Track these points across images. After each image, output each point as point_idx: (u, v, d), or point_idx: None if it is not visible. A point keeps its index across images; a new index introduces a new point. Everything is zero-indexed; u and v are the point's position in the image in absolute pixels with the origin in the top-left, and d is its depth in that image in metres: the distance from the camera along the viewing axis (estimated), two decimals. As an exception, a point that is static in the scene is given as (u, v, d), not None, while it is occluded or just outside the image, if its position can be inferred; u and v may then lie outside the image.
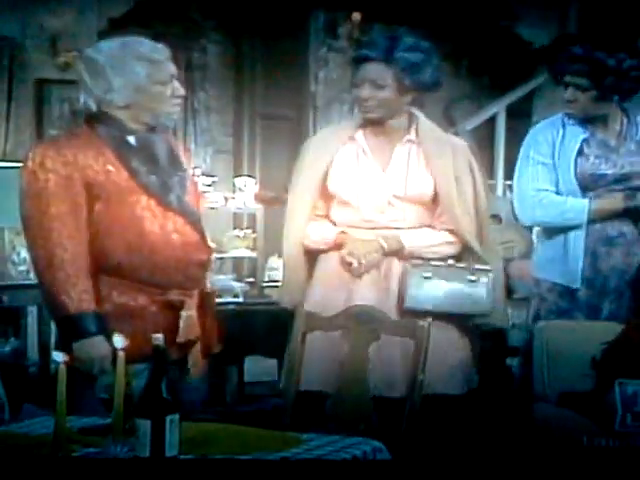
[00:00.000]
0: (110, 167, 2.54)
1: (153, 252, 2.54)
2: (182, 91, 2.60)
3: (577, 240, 3.08)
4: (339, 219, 2.91)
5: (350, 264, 2.83)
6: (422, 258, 2.87)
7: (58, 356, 1.98)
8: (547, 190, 3.10)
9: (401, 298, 2.85)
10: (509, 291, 3.66)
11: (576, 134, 3.10)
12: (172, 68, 2.61)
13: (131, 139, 2.57)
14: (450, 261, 2.90)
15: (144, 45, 2.59)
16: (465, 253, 2.92)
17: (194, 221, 2.60)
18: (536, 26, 5.28)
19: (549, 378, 2.91)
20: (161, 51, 2.60)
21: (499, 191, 5.32)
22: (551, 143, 3.11)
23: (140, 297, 2.56)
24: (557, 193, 3.10)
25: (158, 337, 1.99)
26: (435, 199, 2.90)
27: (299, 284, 2.91)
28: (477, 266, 2.88)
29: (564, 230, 3.11)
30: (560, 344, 2.93)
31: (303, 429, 2.32)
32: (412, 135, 2.91)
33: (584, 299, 3.09)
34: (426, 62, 2.82)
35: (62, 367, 1.96)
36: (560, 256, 3.11)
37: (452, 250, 2.91)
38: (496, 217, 5.10)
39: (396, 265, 2.87)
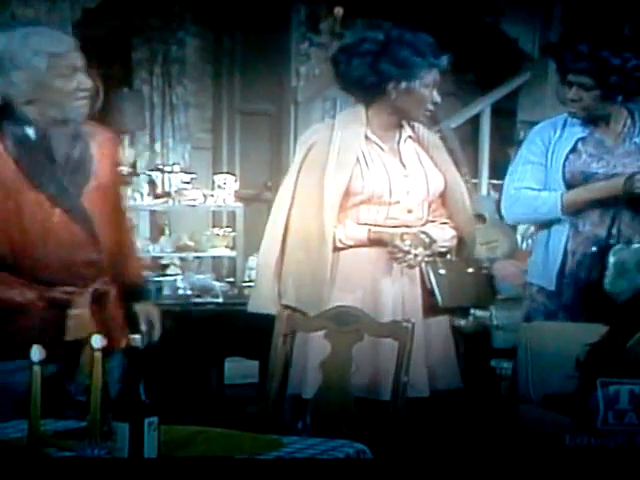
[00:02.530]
0: None
1: (35, 247, 2.50)
2: (88, 84, 2.52)
3: (557, 241, 3.06)
4: (363, 218, 2.87)
5: (407, 253, 2.78)
6: (437, 253, 2.88)
7: (35, 354, 1.93)
8: (528, 188, 3.08)
9: (427, 296, 2.84)
10: (494, 292, 3.66)
11: (574, 133, 3.08)
12: (76, 60, 2.52)
13: (30, 132, 2.51)
14: (448, 256, 2.92)
15: (44, 36, 2.51)
16: (458, 247, 2.95)
17: (82, 220, 2.53)
18: (521, 23, 5.27)
19: (533, 380, 2.91)
20: (64, 43, 2.52)
21: (483, 190, 5.31)
22: (546, 142, 3.09)
23: (27, 293, 2.51)
24: (544, 190, 3.08)
25: (136, 338, 1.94)
26: (443, 194, 2.92)
27: (323, 287, 2.80)
28: (475, 258, 2.93)
29: (549, 231, 3.09)
30: (544, 345, 2.93)
31: (284, 432, 2.28)
32: (409, 131, 2.93)
33: (570, 301, 3.07)
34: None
35: (36, 368, 1.90)
36: (541, 258, 3.11)
37: (454, 243, 2.94)
38: (480, 217, 5.10)
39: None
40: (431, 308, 2.86)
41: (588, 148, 3.07)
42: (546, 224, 3.10)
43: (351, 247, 2.85)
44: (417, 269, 2.85)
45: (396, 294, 2.83)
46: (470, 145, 5.38)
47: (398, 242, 2.79)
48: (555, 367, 2.83)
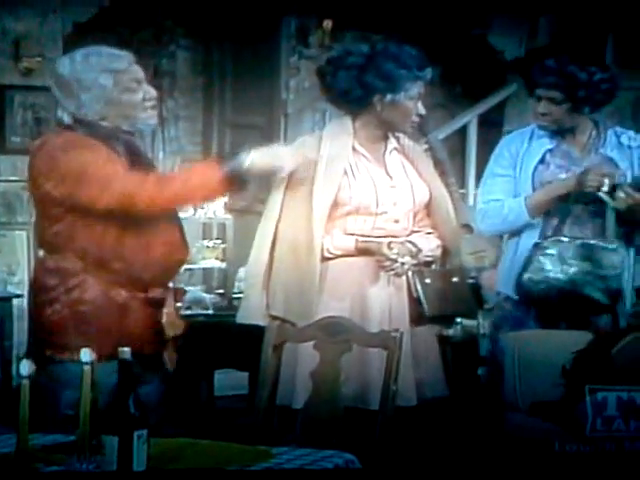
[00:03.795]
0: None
1: (140, 248, 2.62)
2: (153, 93, 2.66)
3: (524, 250, 3.08)
4: (351, 228, 2.90)
5: (394, 261, 2.81)
6: (422, 263, 2.91)
7: (24, 368, 1.93)
8: (496, 200, 3.11)
9: (414, 305, 2.87)
10: (480, 301, 3.68)
11: (542, 145, 3.12)
12: (138, 72, 2.64)
13: (117, 144, 2.64)
14: (433, 266, 2.94)
15: (103, 55, 2.61)
16: (443, 256, 2.97)
17: (178, 222, 2.70)
18: (508, 35, 5.31)
19: (520, 388, 2.92)
20: (123, 58, 2.63)
21: (470, 200, 5.33)
22: (514, 155, 3.13)
23: (123, 292, 2.64)
24: None
25: (125, 351, 1.95)
26: (429, 205, 2.95)
27: (312, 297, 2.83)
28: (460, 267, 2.95)
29: (519, 239, 3.12)
30: (531, 354, 2.94)
31: (274, 443, 2.29)
32: (394, 142, 2.95)
33: (535, 309, 3.08)
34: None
35: (25, 382, 1.91)
36: (508, 266, 3.14)
37: (439, 253, 2.97)
38: (467, 227, 5.12)
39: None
40: (418, 317, 2.88)
41: (556, 159, 3.11)
42: (517, 232, 3.13)
43: (339, 257, 2.87)
44: (404, 278, 2.87)
45: (383, 303, 2.85)
46: (457, 156, 5.41)
47: (386, 251, 2.82)
48: (542, 375, 2.85)
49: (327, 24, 5.41)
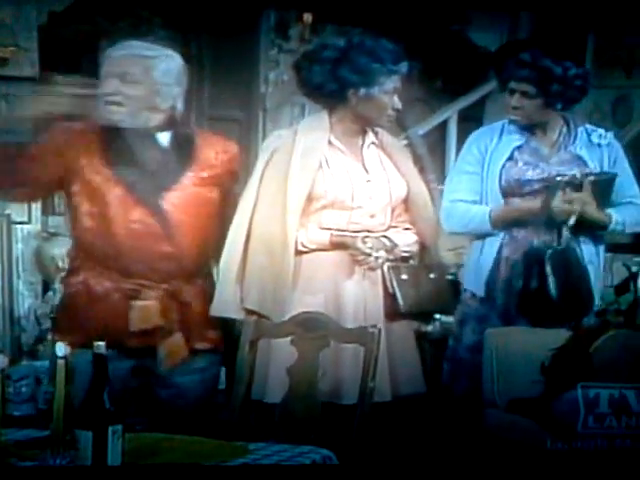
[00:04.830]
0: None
1: (117, 239, 2.67)
2: (112, 87, 2.72)
3: (490, 248, 3.08)
4: (326, 222, 2.88)
5: (368, 255, 2.80)
6: (399, 258, 2.90)
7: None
8: (462, 200, 3.09)
9: (389, 301, 2.86)
10: (459, 297, 3.67)
11: (511, 141, 3.10)
12: (103, 66, 2.78)
13: (118, 139, 2.71)
14: (411, 261, 2.93)
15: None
16: (420, 252, 2.97)
17: (160, 214, 2.71)
18: (487, 30, 5.31)
19: (498, 385, 2.92)
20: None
21: (450, 196, 5.32)
22: (483, 151, 3.10)
23: (105, 282, 2.71)
24: (479, 201, 3.08)
25: (100, 345, 1.93)
26: (407, 200, 2.92)
27: (286, 291, 2.82)
28: (438, 263, 2.95)
29: (484, 238, 3.11)
30: (509, 351, 2.94)
31: (251, 438, 2.27)
32: (372, 137, 2.94)
33: (501, 307, 3.08)
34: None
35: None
36: (473, 264, 3.12)
37: (416, 248, 2.96)
38: (446, 222, 5.12)
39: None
40: (393, 313, 2.88)
41: (524, 156, 3.08)
42: (480, 235, 3.11)
43: (314, 251, 2.86)
44: (379, 274, 2.87)
45: (358, 298, 2.85)
46: (437, 151, 5.41)
47: (359, 245, 2.81)
48: (520, 372, 2.85)
49: (307, 17, 5.39)
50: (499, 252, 3.06)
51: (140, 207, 2.69)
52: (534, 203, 3.03)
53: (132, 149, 2.69)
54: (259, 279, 2.84)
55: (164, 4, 5.54)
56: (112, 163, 2.70)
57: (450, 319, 3.33)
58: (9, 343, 4.34)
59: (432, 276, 2.93)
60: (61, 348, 1.99)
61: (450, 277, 3.06)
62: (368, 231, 2.86)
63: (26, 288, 4.24)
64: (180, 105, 2.76)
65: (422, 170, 5.39)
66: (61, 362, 1.98)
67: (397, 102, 2.86)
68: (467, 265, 3.17)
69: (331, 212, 2.86)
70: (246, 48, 5.61)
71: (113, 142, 2.69)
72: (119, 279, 2.69)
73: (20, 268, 4.43)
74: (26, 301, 4.22)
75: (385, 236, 2.88)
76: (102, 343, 1.95)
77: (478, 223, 3.07)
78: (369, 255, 2.80)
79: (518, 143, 3.08)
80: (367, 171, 2.90)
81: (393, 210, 2.93)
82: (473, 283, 3.11)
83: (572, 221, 2.97)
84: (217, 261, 2.87)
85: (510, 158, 3.07)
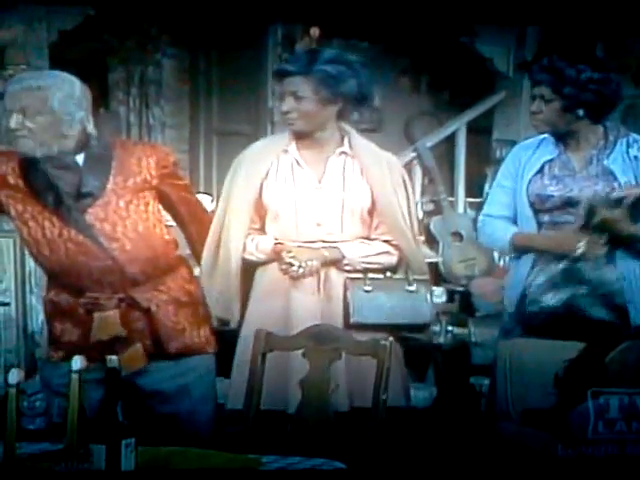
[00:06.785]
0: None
1: (60, 259, 2.75)
2: (15, 123, 2.77)
3: (522, 266, 3.04)
4: (275, 232, 2.92)
5: (290, 265, 2.82)
6: (361, 270, 2.89)
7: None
8: (492, 216, 3.08)
9: (346, 313, 2.86)
10: (471, 309, 3.67)
11: (543, 154, 3.05)
12: (7, 101, 2.81)
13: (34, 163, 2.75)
14: (388, 273, 2.92)
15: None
16: (401, 265, 2.95)
17: (87, 230, 2.74)
18: (495, 43, 5.31)
19: (512, 396, 2.90)
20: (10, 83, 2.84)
21: (460, 208, 5.32)
22: (517, 165, 3.07)
23: (68, 298, 2.78)
24: (511, 217, 3.06)
25: (112, 359, 1.92)
26: (372, 210, 2.92)
27: (237, 300, 2.90)
28: (415, 277, 2.91)
29: (515, 261, 3.08)
30: (523, 362, 2.93)
31: (264, 451, 2.26)
32: (346, 147, 2.94)
33: (529, 324, 3.03)
34: (347, 74, 2.86)
35: (12, 391, 1.88)
36: (509, 285, 3.11)
37: (390, 260, 2.94)
38: (457, 235, 5.12)
39: (334, 276, 2.88)
40: (353, 324, 2.84)
41: (554, 170, 3.02)
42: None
43: (271, 261, 2.88)
44: (339, 286, 2.86)
45: (313, 309, 2.84)
46: (446, 163, 5.40)
47: (283, 254, 2.83)
48: (534, 383, 2.83)
49: (314, 32, 5.40)
50: (532, 267, 3.01)
51: (68, 227, 2.73)
52: (551, 239, 2.97)
53: (50, 174, 2.72)
54: (219, 287, 2.92)
55: (172, 21, 5.57)
56: (34, 190, 2.74)
57: (463, 330, 3.32)
58: (23, 358, 4.35)
59: (410, 289, 2.90)
60: (77, 362, 1.99)
61: (460, 289, 3.04)
62: (321, 240, 2.86)
63: (39, 303, 4.23)
64: (90, 126, 2.74)
65: (431, 182, 5.39)
66: (75, 376, 1.97)
67: (283, 104, 2.87)
68: (505, 282, 3.16)
69: (280, 221, 2.89)
70: (253, 63, 5.63)
71: (30, 170, 2.74)
72: (76, 294, 2.77)
73: (33, 283, 4.43)
74: (39, 316, 4.22)
75: (332, 247, 2.86)
76: (114, 357, 1.95)
77: (501, 245, 3.08)
78: (290, 265, 2.81)
79: (550, 157, 3.02)
80: (319, 180, 2.89)
81: (366, 222, 2.90)
82: (506, 299, 3.10)
83: (581, 250, 2.92)
84: (198, 262, 2.93)
85: (539, 172, 3.01)
